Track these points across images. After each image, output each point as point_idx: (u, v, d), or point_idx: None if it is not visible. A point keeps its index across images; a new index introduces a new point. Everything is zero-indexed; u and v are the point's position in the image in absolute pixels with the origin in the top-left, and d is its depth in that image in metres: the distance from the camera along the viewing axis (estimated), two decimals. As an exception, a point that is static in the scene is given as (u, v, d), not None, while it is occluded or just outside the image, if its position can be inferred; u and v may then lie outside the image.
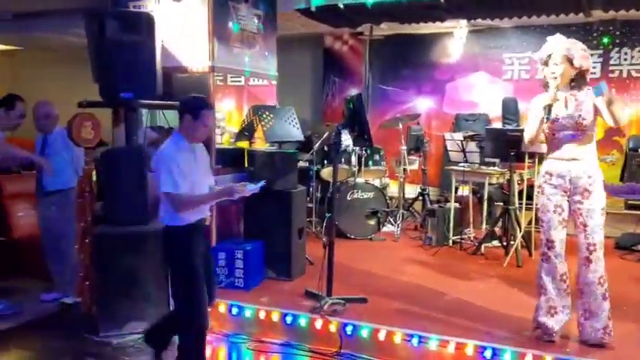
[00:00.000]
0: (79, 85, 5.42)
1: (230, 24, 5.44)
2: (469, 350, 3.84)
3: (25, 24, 7.96)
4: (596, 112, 3.73)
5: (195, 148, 3.62)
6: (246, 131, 5.93)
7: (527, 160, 6.01)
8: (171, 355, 3.87)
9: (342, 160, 6.90)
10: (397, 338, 4.03)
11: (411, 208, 8.06)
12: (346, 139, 5.48)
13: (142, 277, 4.43)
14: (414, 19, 7.61)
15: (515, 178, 6.08)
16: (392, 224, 7.27)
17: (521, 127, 6.17)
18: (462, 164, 6.62)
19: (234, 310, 4.54)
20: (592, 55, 3.80)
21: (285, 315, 4.40)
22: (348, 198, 6.88)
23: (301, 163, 6.68)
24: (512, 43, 8.47)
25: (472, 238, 6.62)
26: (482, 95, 8.74)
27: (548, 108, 3.76)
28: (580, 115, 3.72)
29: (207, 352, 4.08)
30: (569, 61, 3.72)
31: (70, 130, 4.57)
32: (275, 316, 4.43)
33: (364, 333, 4.13)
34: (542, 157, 5.70)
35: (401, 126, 7.44)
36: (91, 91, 4.60)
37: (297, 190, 5.37)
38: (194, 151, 3.60)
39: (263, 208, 5.15)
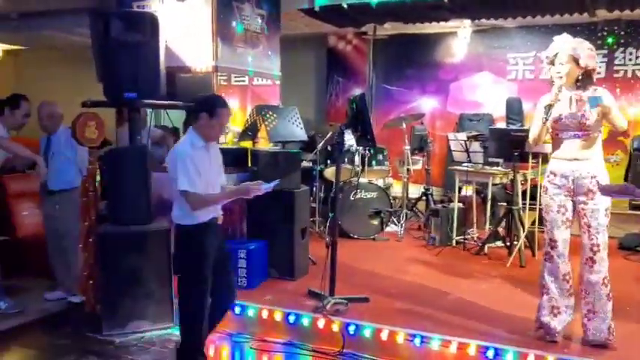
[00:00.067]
0: (83, 85, 5.45)
1: (234, 24, 5.45)
2: (471, 350, 3.83)
3: (29, 23, 7.98)
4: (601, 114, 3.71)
5: (210, 146, 3.63)
6: (250, 131, 5.93)
7: (530, 160, 6.00)
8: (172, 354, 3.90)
9: (346, 159, 6.89)
10: (400, 338, 4.03)
11: (414, 208, 8.05)
12: (349, 139, 5.48)
13: (145, 277, 4.44)
14: (418, 18, 7.61)
15: (519, 178, 6.06)
16: (395, 224, 7.27)
17: (525, 127, 6.16)
18: (465, 164, 6.61)
19: (237, 310, 4.54)
20: (597, 55, 3.78)
21: (288, 314, 4.41)
22: (352, 198, 6.88)
23: (305, 163, 6.68)
24: (517, 43, 8.46)
25: (475, 238, 6.61)
26: (487, 95, 8.73)
27: (549, 108, 3.76)
28: (583, 115, 3.70)
29: (211, 351, 4.11)
30: (575, 60, 3.71)
31: (74, 129, 4.59)
32: (278, 316, 4.43)
33: (367, 333, 4.13)
34: (546, 157, 5.70)
35: (405, 126, 7.43)
36: (95, 91, 4.62)
37: (300, 189, 5.37)
38: (209, 149, 3.60)
39: (266, 208, 5.15)
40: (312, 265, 5.57)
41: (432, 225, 6.73)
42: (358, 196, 6.92)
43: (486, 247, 6.28)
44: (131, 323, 4.42)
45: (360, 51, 9.54)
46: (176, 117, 6.07)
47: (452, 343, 3.90)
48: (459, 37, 8.78)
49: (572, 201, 3.84)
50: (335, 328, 4.21)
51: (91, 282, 4.72)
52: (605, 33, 7.87)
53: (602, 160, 3.83)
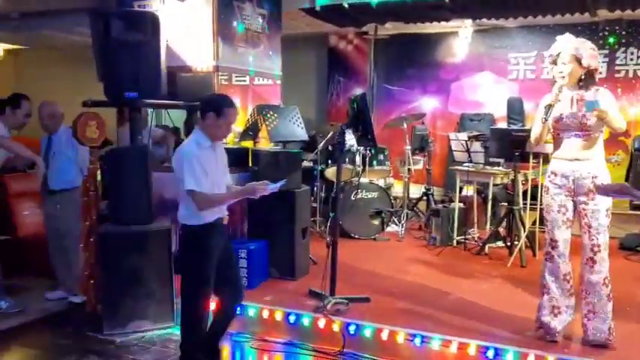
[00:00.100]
0: (83, 85, 5.45)
1: (235, 23, 5.45)
2: (471, 350, 3.83)
3: (30, 23, 7.99)
4: None
5: (216, 146, 3.62)
6: (251, 131, 5.94)
7: (531, 160, 5.99)
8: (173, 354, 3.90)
9: (347, 159, 6.89)
10: (400, 338, 4.03)
11: (415, 208, 8.05)
12: (350, 139, 5.48)
13: (146, 276, 4.45)
14: (419, 18, 7.61)
15: (520, 178, 6.06)
16: (396, 224, 7.27)
17: (526, 127, 6.16)
18: (466, 164, 6.61)
19: (238, 309, 4.54)
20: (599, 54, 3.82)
21: (289, 314, 4.41)
22: (352, 198, 6.88)
23: (305, 163, 6.68)
24: (518, 43, 8.46)
25: (476, 238, 6.61)
26: (488, 95, 8.73)
27: (549, 108, 3.75)
28: (584, 115, 3.70)
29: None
30: (578, 60, 3.70)
31: (75, 129, 4.59)
32: (278, 316, 4.44)
33: (367, 332, 4.13)
34: (546, 158, 5.70)
35: (405, 126, 7.43)
36: (96, 91, 4.62)
37: (301, 189, 5.37)
38: (215, 149, 3.60)
39: (267, 208, 5.14)
40: (312, 264, 5.58)
41: (432, 225, 6.73)
42: (359, 196, 6.92)
43: (487, 247, 6.28)
44: (132, 323, 4.43)
45: (361, 51, 9.55)
46: (177, 117, 6.09)
47: (452, 343, 3.90)
48: (460, 37, 8.77)
49: (573, 201, 3.84)
50: (335, 327, 4.21)
51: (91, 282, 4.73)
52: (606, 33, 7.86)
53: (603, 160, 3.82)
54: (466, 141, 6.67)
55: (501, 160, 6.33)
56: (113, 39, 4.40)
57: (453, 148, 6.93)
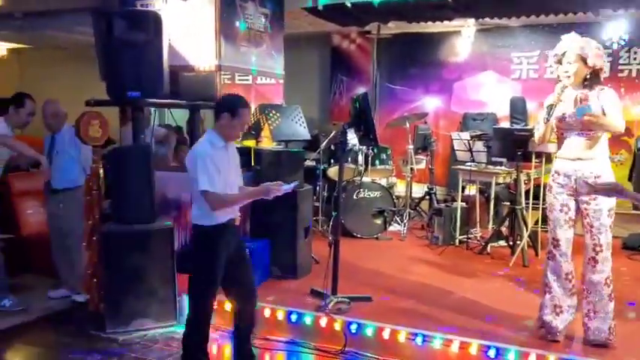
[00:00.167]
0: (86, 84, 5.47)
1: (237, 23, 5.45)
2: (473, 349, 3.84)
3: (33, 23, 8.00)
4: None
5: (229, 147, 3.62)
6: (253, 130, 5.95)
7: (534, 159, 5.99)
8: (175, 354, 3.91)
9: (349, 159, 6.90)
10: (401, 337, 4.03)
11: (417, 208, 8.05)
12: (352, 138, 5.48)
13: (148, 275, 4.46)
14: (422, 17, 7.59)
15: (522, 177, 6.06)
16: (398, 223, 7.27)
17: (528, 127, 6.15)
18: (469, 164, 6.61)
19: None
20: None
21: (291, 313, 4.42)
22: (355, 197, 6.89)
23: (308, 162, 6.69)
24: (521, 42, 8.44)
25: (479, 238, 6.61)
26: (490, 94, 8.71)
27: (551, 108, 3.75)
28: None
29: (213, 349, 4.12)
30: (583, 59, 3.70)
31: (78, 128, 4.60)
32: (280, 314, 4.44)
33: (369, 331, 4.14)
34: (549, 157, 5.70)
35: (408, 125, 7.43)
36: (99, 90, 4.64)
37: (303, 189, 5.37)
38: (228, 149, 3.60)
39: (269, 207, 5.10)
40: (314, 264, 5.58)
41: (435, 224, 6.73)
42: (361, 195, 6.93)
43: (489, 246, 6.28)
44: (134, 321, 4.44)
45: (364, 50, 9.54)
46: (180, 116, 6.09)
47: (453, 342, 3.90)
48: (463, 37, 8.76)
49: (575, 200, 3.83)
50: (337, 326, 4.22)
51: (94, 280, 4.73)
52: (609, 32, 7.83)
53: (607, 159, 3.81)
54: (469, 140, 6.67)
55: (504, 160, 6.33)
56: (116, 38, 4.40)
57: (456, 147, 6.93)
